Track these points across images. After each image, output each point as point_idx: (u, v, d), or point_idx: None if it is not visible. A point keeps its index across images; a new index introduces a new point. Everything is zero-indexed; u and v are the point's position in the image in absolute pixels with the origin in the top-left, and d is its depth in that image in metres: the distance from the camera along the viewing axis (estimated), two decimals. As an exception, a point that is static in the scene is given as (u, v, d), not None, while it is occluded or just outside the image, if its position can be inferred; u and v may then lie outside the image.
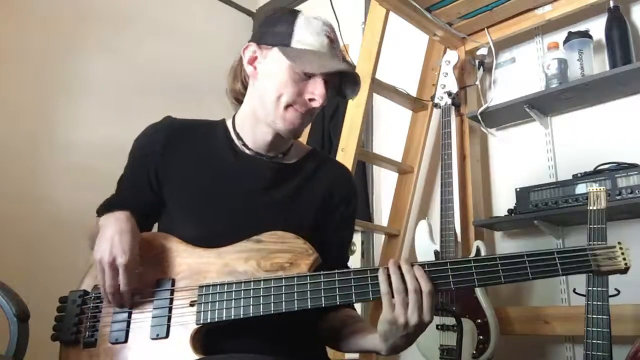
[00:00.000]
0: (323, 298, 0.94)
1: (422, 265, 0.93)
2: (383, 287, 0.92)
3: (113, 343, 1.00)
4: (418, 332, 0.93)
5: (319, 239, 1.16)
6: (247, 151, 1.15)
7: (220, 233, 1.05)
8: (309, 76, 1.07)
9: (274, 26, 1.10)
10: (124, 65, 2.78)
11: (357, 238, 2.67)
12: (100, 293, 1.03)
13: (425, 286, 0.91)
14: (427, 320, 0.92)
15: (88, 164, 2.47)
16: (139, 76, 2.82)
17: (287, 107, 1.08)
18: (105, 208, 1.07)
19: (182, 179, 1.12)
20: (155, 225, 1.18)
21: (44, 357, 1.10)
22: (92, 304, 1.04)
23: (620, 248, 0.93)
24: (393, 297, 0.91)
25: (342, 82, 1.14)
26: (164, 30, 3.00)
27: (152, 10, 2.98)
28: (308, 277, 0.96)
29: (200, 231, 1.07)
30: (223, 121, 1.21)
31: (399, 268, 0.93)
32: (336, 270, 0.96)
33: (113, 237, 0.98)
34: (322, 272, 0.96)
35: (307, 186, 1.17)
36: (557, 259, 0.91)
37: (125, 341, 0.99)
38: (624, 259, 0.92)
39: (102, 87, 2.67)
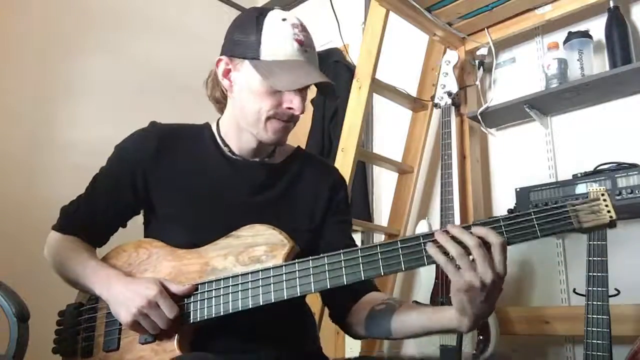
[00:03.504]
0: (298, 287, 0.94)
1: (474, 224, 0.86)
2: (440, 258, 0.84)
3: (106, 351, 1.02)
4: (496, 291, 0.84)
5: (319, 237, 1.16)
6: (234, 157, 1.16)
7: (215, 238, 1.05)
8: None
9: (241, 35, 1.07)
10: (124, 65, 2.78)
11: (357, 238, 2.67)
12: (95, 303, 1.06)
13: (495, 239, 0.84)
14: (502, 273, 0.84)
15: (88, 164, 2.45)
16: (139, 76, 2.82)
17: (268, 118, 1.07)
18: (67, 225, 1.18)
19: (174, 185, 1.11)
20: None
21: (44, 357, 1.10)
22: (87, 315, 1.07)
23: (605, 200, 0.82)
24: (456, 265, 0.83)
25: (319, 85, 1.12)
26: (163, 30, 2.99)
27: (152, 10, 2.97)
28: (283, 267, 0.96)
29: (195, 237, 1.06)
30: (208, 125, 1.21)
31: (447, 233, 0.86)
32: (310, 257, 0.95)
33: (121, 292, 0.98)
34: (296, 261, 0.95)
35: (297, 186, 1.18)
36: (534, 219, 0.86)
37: (117, 348, 1.02)
38: (609, 211, 0.81)
39: (102, 87, 2.67)
